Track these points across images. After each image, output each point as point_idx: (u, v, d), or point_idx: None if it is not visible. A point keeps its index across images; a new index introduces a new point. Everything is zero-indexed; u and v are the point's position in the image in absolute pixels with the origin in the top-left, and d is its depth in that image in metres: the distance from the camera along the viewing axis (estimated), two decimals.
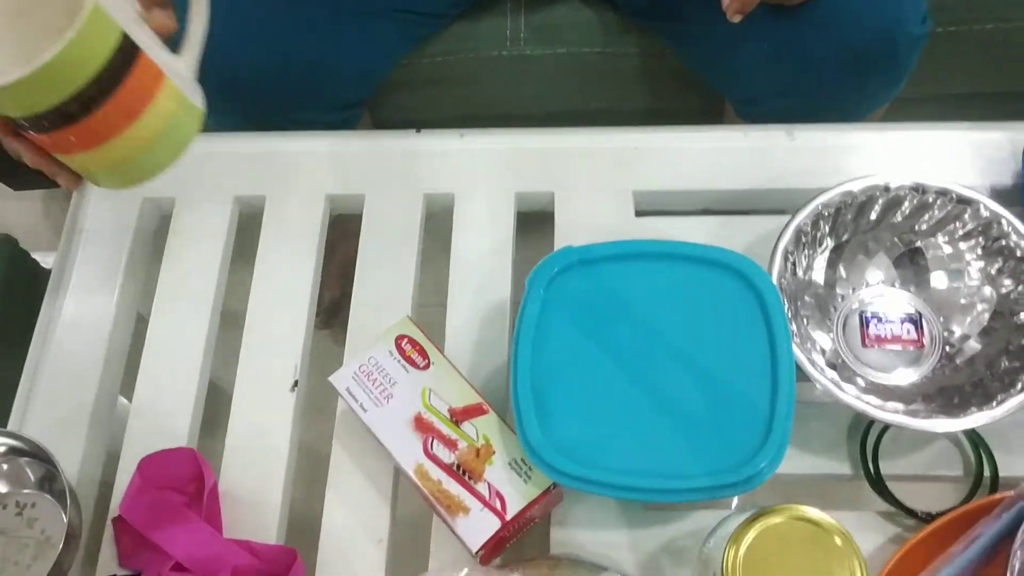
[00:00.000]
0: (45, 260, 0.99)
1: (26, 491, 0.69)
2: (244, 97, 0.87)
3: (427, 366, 0.65)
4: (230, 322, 0.77)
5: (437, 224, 0.80)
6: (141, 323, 0.78)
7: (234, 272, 0.79)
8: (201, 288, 0.76)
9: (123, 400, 0.76)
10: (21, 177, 1.36)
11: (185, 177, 0.81)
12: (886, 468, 0.65)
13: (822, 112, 0.85)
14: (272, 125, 0.84)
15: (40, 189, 1.47)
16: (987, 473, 0.64)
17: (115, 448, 0.71)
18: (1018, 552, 0.56)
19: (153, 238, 0.82)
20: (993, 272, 0.66)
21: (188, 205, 0.80)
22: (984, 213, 0.66)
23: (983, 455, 0.65)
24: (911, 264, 0.69)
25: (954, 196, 0.66)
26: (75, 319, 0.76)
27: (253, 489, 0.69)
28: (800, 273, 0.68)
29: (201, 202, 0.80)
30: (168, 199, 0.81)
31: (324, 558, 0.66)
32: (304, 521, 0.69)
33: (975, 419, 0.59)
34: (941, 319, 0.68)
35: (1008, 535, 0.57)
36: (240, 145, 0.82)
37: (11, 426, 0.72)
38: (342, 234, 0.86)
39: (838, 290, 0.70)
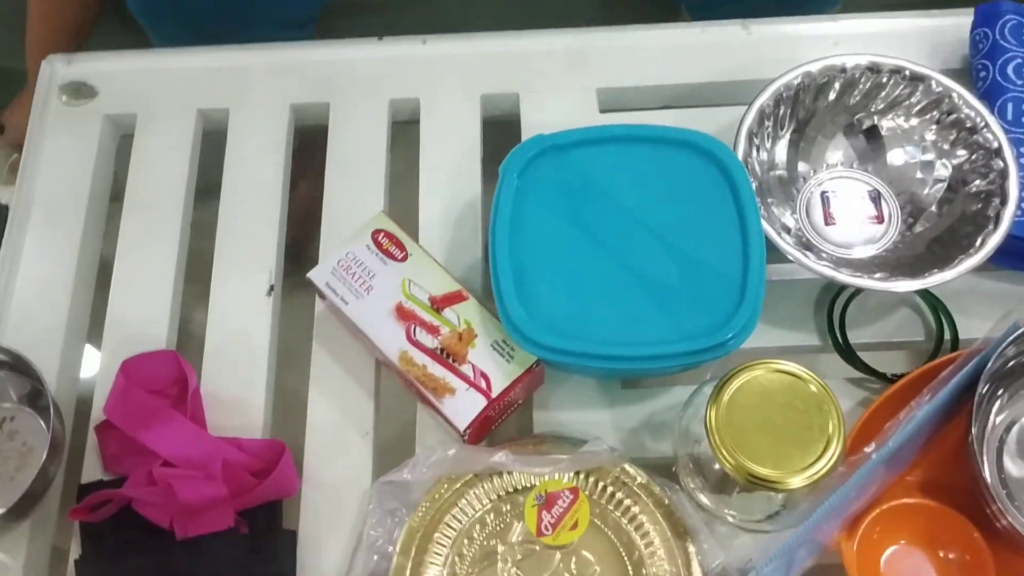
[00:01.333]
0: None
1: (6, 405, 0.69)
2: (194, 18, 0.86)
3: (405, 258, 0.66)
4: (203, 235, 0.77)
5: (404, 131, 0.80)
6: (110, 242, 0.77)
7: (202, 186, 0.78)
8: (169, 201, 0.76)
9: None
10: None
11: (146, 92, 0.80)
12: (853, 338, 0.68)
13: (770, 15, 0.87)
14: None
15: None
16: (948, 336, 0.67)
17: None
18: (984, 395, 0.59)
19: (116, 157, 0.81)
20: (947, 146, 0.69)
21: (150, 121, 0.79)
22: (936, 88, 0.68)
23: (943, 319, 0.68)
24: (869, 143, 0.72)
25: (907, 74, 0.69)
26: (42, 238, 0.75)
27: (236, 392, 0.69)
28: (764, 155, 0.70)
29: (163, 117, 0.79)
30: (129, 115, 0.79)
31: (311, 454, 0.67)
32: (289, 421, 0.70)
33: (936, 279, 0.62)
34: (899, 194, 0.71)
35: (967, 388, 0.60)
36: (200, 59, 0.81)
37: None
38: (301, 173, 0.85)
39: (800, 170, 0.72)
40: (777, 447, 0.54)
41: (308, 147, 0.81)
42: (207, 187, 0.78)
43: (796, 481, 0.53)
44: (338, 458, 0.67)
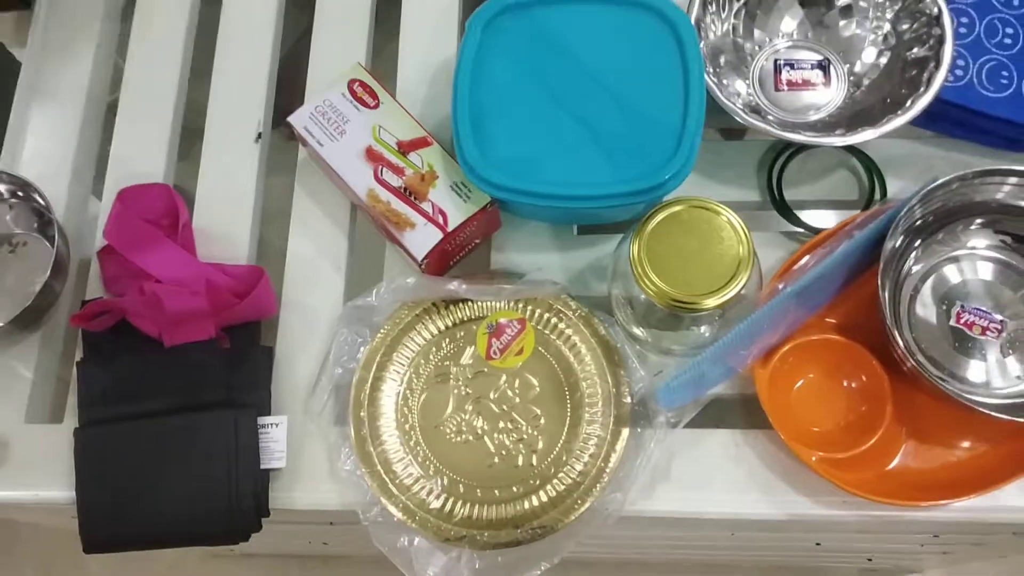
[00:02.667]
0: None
1: (18, 231, 0.76)
2: None
3: (377, 106, 0.72)
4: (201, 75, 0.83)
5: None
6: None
7: (198, 50, 0.84)
8: (168, 58, 0.82)
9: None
10: None
11: None
12: (792, 196, 0.73)
13: None
14: None
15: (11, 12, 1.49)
16: (878, 196, 0.72)
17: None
18: (892, 243, 0.64)
19: (121, 19, 0.87)
20: (891, 15, 0.72)
21: None
22: None
23: (875, 179, 0.72)
24: (822, 13, 0.75)
25: None
26: (55, 77, 0.82)
27: (224, 227, 0.76)
28: (719, 25, 0.74)
29: None
30: None
31: (289, 283, 0.74)
32: (271, 254, 0.77)
33: (864, 135, 0.67)
34: (847, 65, 0.75)
35: (881, 239, 0.65)
36: None
37: None
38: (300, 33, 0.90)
39: (755, 39, 0.76)
40: (693, 274, 0.60)
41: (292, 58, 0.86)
42: (206, 51, 0.84)
43: (708, 302, 0.59)
44: (313, 288, 0.74)
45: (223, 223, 0.76)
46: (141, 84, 0.81)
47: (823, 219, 0.72)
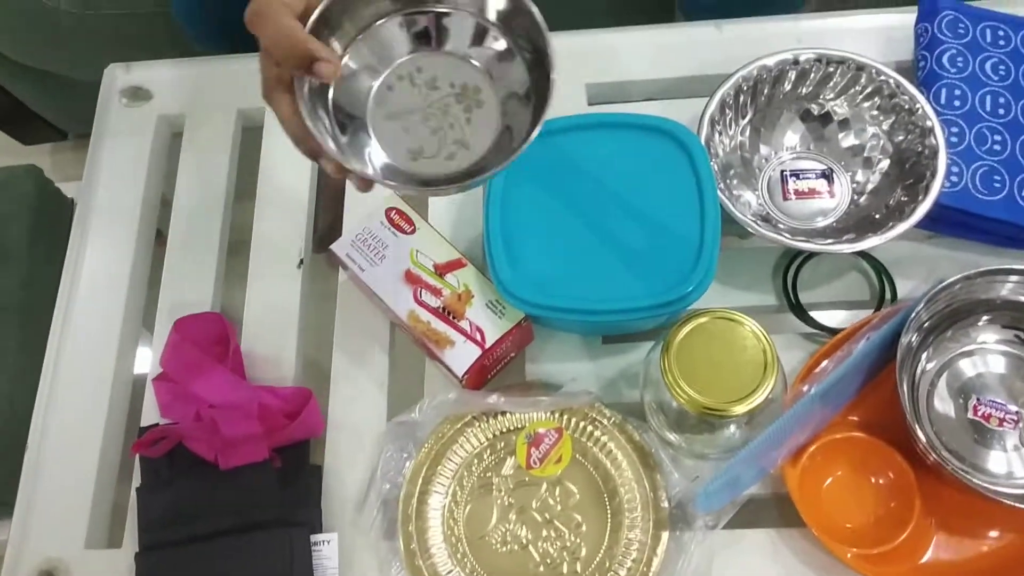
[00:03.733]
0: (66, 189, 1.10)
1: None
2: (231, 25, 0.98)
3: (413, 231, 0.77)
4: (243, 219, 0.89)
5: None
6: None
7: (241, 176, 0.90)
8: (214, 188, 0.87)
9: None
10: (30, 130, 1.47)
11: (193, 94, 0.92)
12: (805, 299, 0.77)
13: (756, 9, 0.97)
14: None
15: (48, 143, 1.57)
16: (888, 296, 0.76)
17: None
18: (906, 344, 0.68)
19: (168, 153, 0.93)
20: (887, 128, 0.78)
21: (197, 119, 0.91)
22: (878, 77, 0.77)
23: (885, 281, 0.77)
24: (822, 127, 0.81)
25: (852, 64, 0.78)
26: (108, 210, 0.88)
27: (271, 350, 0.80)
28: (727, 140, 0.80)
29: (208, 116, 0.91)
30: (179, 115, 0.92)
31: (334, 401, 0.78)
32: (317, 374, 0.81)
33: (870, 242, 0.71)
34: (850, 173, 0.80)
35: (895, 338, 0.69)
36: (239, 64, 0.93)
37: (52, 333, 0.83)
38: None
39: (761, 154, 0.81)
40: (721, 382, 0.63)
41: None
42: (247, 178, 0.90)
43: (738, 409, 0.62)
44: (358, 405, 0.78)
45: (270, 346, 0.80)
46: (189, 214, 0.87)
47: (838, 319, 0.76)
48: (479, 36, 0.63)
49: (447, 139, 0.63)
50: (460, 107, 0.63)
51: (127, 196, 0.88)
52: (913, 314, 0.67)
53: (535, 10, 0.60)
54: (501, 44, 0.63)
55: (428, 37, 0.64)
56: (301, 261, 0.84)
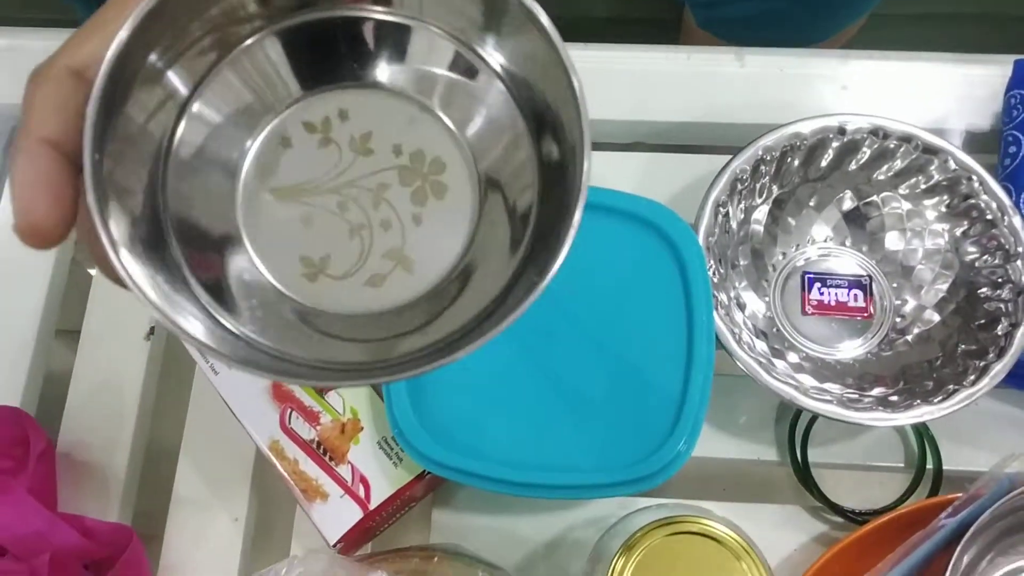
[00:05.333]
0: None
1: None
2: None
3: None
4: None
5: None
6: None
7: None
8: None
9: None
10: None
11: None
12: (817, 456, 0.57)
13: (787, 24, 0.75)
14: None
15: None
16: (930, 466, 0.56)
17: None
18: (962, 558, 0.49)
19: None
20: (957, 235, 0.57)
21: None
22: (952, 166, 0.56)
23: (927, 447, 0.57)
24: (864, 220, 0.60)
25: (919, 144, 0.56)
26: None
27: (97, 453, 0.60)
28: (735, 226, 0.59)
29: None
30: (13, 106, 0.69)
31: (172, 534, 0.58)
32: (155, 491, 0.61)
33: (918, 413, 0.51)
34: (894, 286, 0.59)
35: (947, 547, 0.50)
36: None
37: None
38: None
39: (778, 247, 0.60)
40: None
41: None
42: None
43: None
44: (203, 544, 0.58)
45: (95, 448, 0.60)
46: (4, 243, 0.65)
47: (858, 492, 0.57)
48: (456, 66, 0.36)
49: (374, 247, 0.36)
50: (407, 191, 0.36)
51: None
52: (979, 523, 0.48)
53: (546, 22, 0.33)
54: (489, 84, 0.36)
55: (361, 59, 0.36)
56: (151, 330, 0.62)
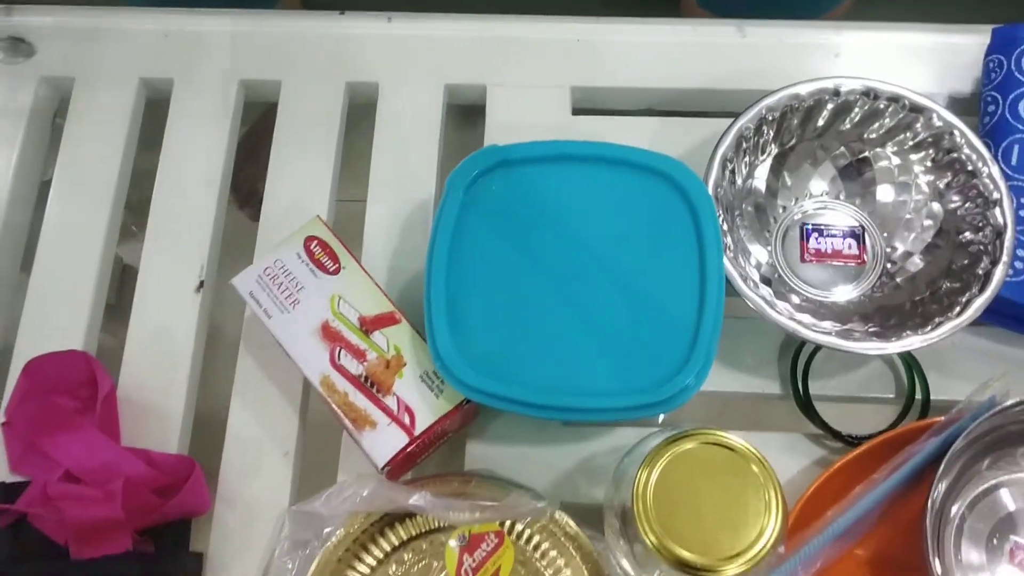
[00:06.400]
0: None
1: None
2: None
3: (337, 271, 0.61)
4: (138, 212, 0.72)
5: (360, 115, 0.74)
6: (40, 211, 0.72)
7: (140, 160, 0.73)
8: (102, 175, 0.70)
9: None
10: None
11: (85, 55, 0.74)
12: (816, 388, 0.63)
13: (783, 3, 0.80)
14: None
15: None
16: (919, 396, 0.62)
17: (9, 342, 0.67)
18: (940, 484, 0.54)
19: (52, 121, 0.76)
20: (942, 187, 0.63)
21: (89, 86, 0.73)
22: (937, 123, 0.61)
23: (916, 378, 0.62)
24: (857, 175, 0.65)
25: (907, 103, 0.62)
26: None
27: (155, 395, 0.65)
28: (739, 181, 0.64)
29: (103, 83, 0.73)
30: (67, 79, 0.74)
31: (227, 469, 0.63)
32: (209, 431, 0.66)
33: (908, 342, 0.56)
34: (885, 235, 0.65)
35: (933, 462, 0.56)
36: (146, 22, 0.75)
37: None
38: (251, 153, 0.80)
39: (779, 200, 0.66)
40: (707, 530, 0.49)
41: (260, 128, 0.75)
42: (145, 165, 0.73)
43: (727, 569, 0.48)
44: (255, 477, 0.63)
45: (154, 392, 0.65)
46: (66, 204, 0.70)
47: (855, 421, 0.62)
48: None
49: None
50: None
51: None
52: (957, 444, 0.53)
53: None
54: None
55: None
56: (201, 283, 0.68)
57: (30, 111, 0.73)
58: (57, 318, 0.66)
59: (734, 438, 0.50)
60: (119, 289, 0.78)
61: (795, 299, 0.63)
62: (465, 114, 0.75)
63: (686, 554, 0.48)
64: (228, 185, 0.71)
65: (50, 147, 0.75)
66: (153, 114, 0.74)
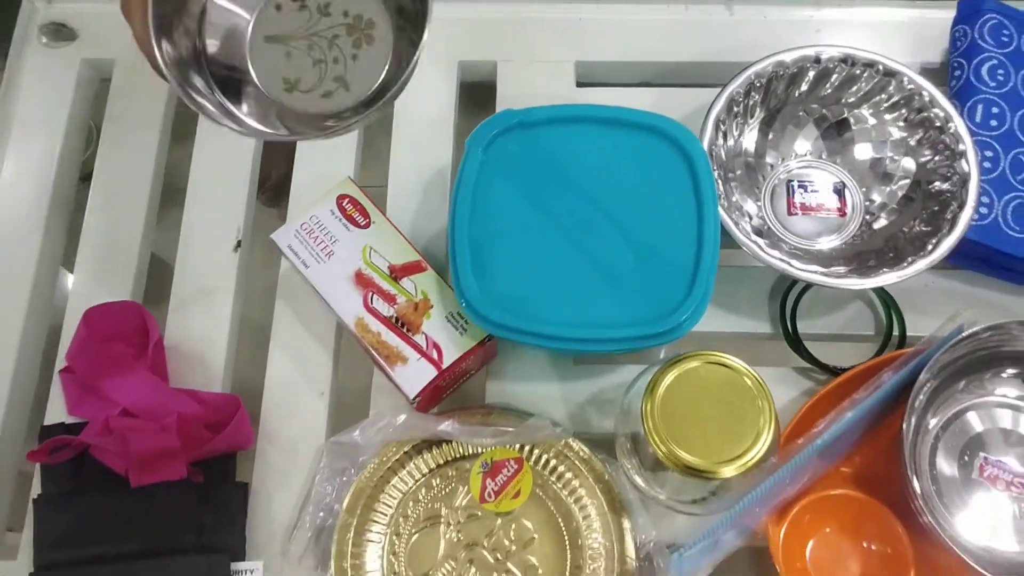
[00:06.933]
0: None
1: None
2: None
3: (368, 225, 0.67)
4: (176, 186, 0.78)
5: None
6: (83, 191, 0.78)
7: (176, 137, 0.79)
8: (143, 150, 0.76)
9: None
10: None
11: (124, 38, 0.80)
12: (803, 328, 0.69)
13: None
14: None
15: None
16: (896, 332, 0.69)
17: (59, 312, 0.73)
18: (916, 400, 0.61)
19: (93, 102, 0.82)
20: (913, 143, 0.69)
21: (128, 67, 0.79)
22: (909, 86, 0.68)
23: (893, 315, 0.69)
24: (838, 135, 0.72)
25: (881, 68, 0.68)
26: (14, 180, 0.76)
27: (198, 345, 0.71)
28: (731, 142, 0.71)
29: (142, 62, 0.79)
30: (107, 60, 0.80)
31: (268, 409, 0.69)
32: (248, 376, 0.72)
33: (886, 278, 0.63)
34: (863, 189, 0.71)
35: (910, 384, 0.62)
36: None
37: None
38: None
39: (767, 160, 0.72)
40: (709, 438, 0.55)
41: None
42: (182, 137, 0.79)
43: (726, 471, 0.54)
44: (294, 415, 0.69)
45: (197, 341, 0.71)
46: (111, 174, 0.76)
47: (838, 355, 0.68)
48: None
49: (327, 74, 0.60)
50: (349, 40, 0.60)
51: (43, 150, 0.77)
52: (930, 364, 0.60)
53: None
54: None
55: None
56: (239, 243, 0.73)
57: (74, 90, 0.79)
58: (109, 272, 0.72)
59: (733, 359, 0.57)
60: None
61: (784, 247, 0.69)
62: (478, 92, 0.82)
63: (690, 458, 0.54)
64: (260, 155, 0.77)
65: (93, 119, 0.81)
66: None
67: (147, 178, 0.75)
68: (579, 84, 0.78)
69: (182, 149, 0.78)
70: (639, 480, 0.62)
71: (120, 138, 0.77)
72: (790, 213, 0.71)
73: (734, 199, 0.70)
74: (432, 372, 0.63)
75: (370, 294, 0.65)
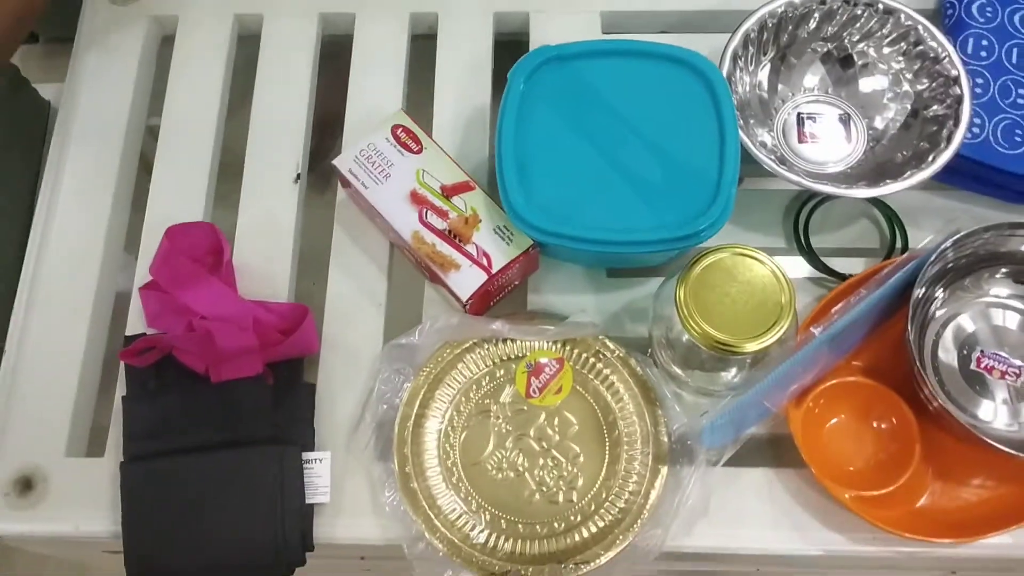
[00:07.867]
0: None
1: None
2: None
3: (420, 151, 0.74)
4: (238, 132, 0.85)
5: (422, 46, 0.88)
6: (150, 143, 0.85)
7: (237, 86, 0.86)
8: (207, 98, 0.83)
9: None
10: None
11: None
12: (816, 243, 0.76)
13: None
14: None
15: None
16: (899, 244, 0.76)
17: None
18: (918, 291, 0.67)
19: (157, 57, 0.89)
20: (911, 74, 0.77)
21: (191, 23, 0.87)
22: (906, 21, 0.75)
23: (896, 228, 0.76)
24: (843, 70, 0.79)
25: (880, 7, 0.76)
26: (92, 115, 0.83)
27: (264, 264, 0.77)
28: (747, 77, 0.78)
29: (204, 19, 0.87)
30: (171, 17, 0.87)
31: (329, 321, 0.76)
32: (311, 292, 0.79)
33: (890, 188, 0.70)
34: (866, 119, 0.79)
35: (912, 283, 0.69)
36: None
37: (32, 241, 0.79)
38: (326, 85, 0.93)
39: (779, 93, 0.80)
40: (735, 319, 0.62)
41: (333, 61, 0.89)
42: (241, 89, 0.86)
43: (750, 346, 0.61)
44: (354, 325, 0.75)
45: (263, 261, 0.77)
46: (179, 124, 0.83)
47: (847, 265, 0.75)
48: None
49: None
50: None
51: (113, 103, 0.84)
52: (928, 263, 0.67)
53: None
54: None
55: None
56: (298, 176, 0.81)
57: (141, 46, 0.86)
58: (178, 204, 0.79)
59: (757, 251, 0.64)
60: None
61: (797, 171, 0.76)
62: (509, 46, 0.89)
63: (718, 335, 0.61)
64: (315, 98, 0.84)
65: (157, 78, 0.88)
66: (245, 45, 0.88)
67: (210, 134, 0.82)
68: (604, 32, 0.85)
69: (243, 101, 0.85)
70: (675, 369, 0.69)
71: (184, 92, 0.84)
72: (800, 141, 0.78)
73: (750, 129, 0.77)
74: (483, 277, 0.70)
75: (424, 210, 0.72)
